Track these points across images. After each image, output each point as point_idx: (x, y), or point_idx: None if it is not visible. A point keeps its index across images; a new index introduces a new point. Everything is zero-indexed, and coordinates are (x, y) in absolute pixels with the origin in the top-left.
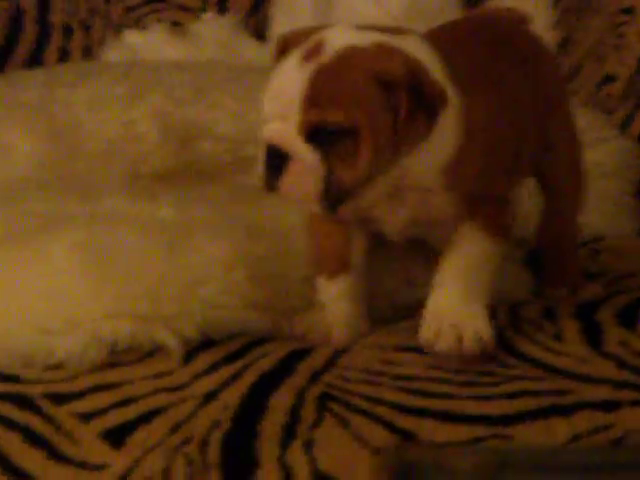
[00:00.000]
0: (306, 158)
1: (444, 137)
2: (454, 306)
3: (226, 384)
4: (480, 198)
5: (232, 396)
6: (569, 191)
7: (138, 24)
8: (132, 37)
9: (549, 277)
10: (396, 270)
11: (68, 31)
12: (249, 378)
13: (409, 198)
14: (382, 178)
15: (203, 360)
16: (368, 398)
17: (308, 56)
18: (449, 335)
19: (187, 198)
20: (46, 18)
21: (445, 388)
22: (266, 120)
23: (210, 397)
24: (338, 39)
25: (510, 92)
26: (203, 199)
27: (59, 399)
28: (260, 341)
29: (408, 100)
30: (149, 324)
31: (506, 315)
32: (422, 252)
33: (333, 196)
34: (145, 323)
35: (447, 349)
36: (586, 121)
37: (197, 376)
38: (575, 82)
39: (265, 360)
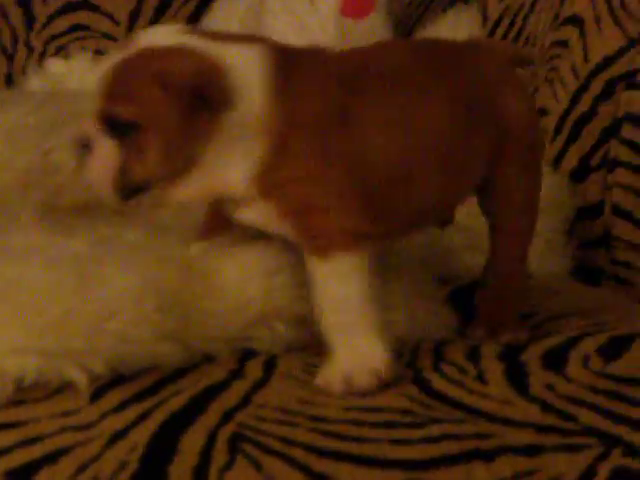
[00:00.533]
0: (100, 147)
1: (249, 146)
2: (336, 345)
3: (135, 423)
4: (311, 215)
5: (141, 436)
6: (520, 232)
7: (61, 52)
8: (55, 66)
9: (480, 317)
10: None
11: None
12: (159, 417)
13: (241, 205)
14: (192, 181)
15: (112, 398)
16: (283, 439)
17: (119, 50)
18: (337, 377)
19: (101, 232)
20: None
21: (363, 430)
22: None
23: (118, 437)
24: (147, 38)
25: (405, 123)
26: (116, 233)
27: None
28: (173, 376)
29: (187, 102)
30: (57, 359)
31: (428, 355)
32: None
33: (125, 187)
34: (53, 358)
35: (340, 391)
36: None
37: (105, 414)
38: None
39: (177, 398)
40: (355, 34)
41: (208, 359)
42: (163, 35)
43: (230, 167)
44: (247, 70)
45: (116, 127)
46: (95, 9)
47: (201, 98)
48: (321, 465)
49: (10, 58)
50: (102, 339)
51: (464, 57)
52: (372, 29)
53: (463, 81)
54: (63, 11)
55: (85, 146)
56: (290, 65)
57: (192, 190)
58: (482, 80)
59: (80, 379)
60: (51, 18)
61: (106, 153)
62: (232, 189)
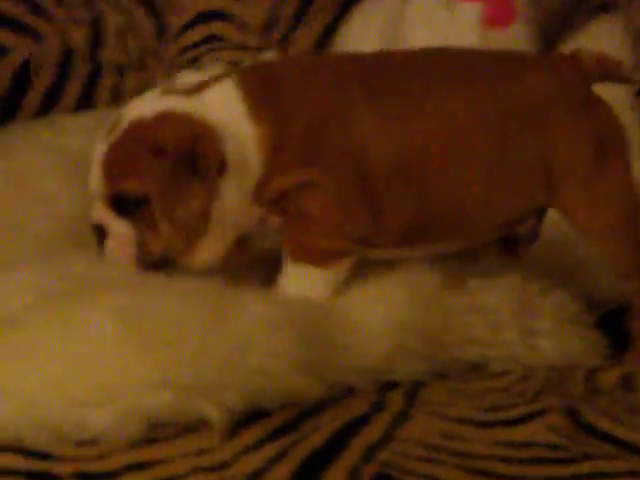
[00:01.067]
0: (116, 229)
1: (248, 175)
2: None
3: (273, 462)
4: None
5: (279, 476)
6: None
7: (194, 64)
8: (188, 78)
9: (634, 342)
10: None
11: (120, 70)
12: (299, 454)
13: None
14: (212, 237)
15: (247, 435)
16: (427, 477)
17: (108, 132)
18: None
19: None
20: (97, 57)
21: (511, 468)
22: (93, 198)
23: (254, 477)
24: (132, 112)
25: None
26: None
27: (92, 479)
28: (312, 410)
29: (175, 166)
30: (192, 394)
31: (578, 383)
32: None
33: (147, 260)
34: (188, 393)
35: None
36: None
37: (241, 453)
38: None
39: (317, 434)
40: (497, 44)
41: (348, 391)
42: (147, 104)
43: (238, 205)
44: (231, 114)
45: (125, 206)
46: (229, 19)
47: (197, 160)
48: None
49: (140, 70)
50: (238, 372)
51: (508, 70)
52: (515, 38)
53: (496, 94)
54: (196, 22)
55: (102, 230)
56: (273, 83)
57: (215, 246)
58: (527, 98)
59: (215, 415)
60: (184, 29)
61: (122, 233)
62: (247, 224)
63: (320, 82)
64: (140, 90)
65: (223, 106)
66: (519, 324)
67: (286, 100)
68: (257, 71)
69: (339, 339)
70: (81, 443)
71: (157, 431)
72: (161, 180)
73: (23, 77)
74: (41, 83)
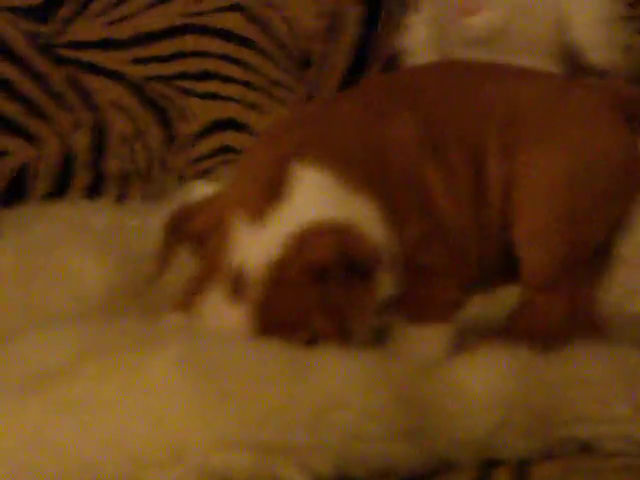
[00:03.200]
0: None
1: None
2: None
3: None
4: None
5: None
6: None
7: (206, 176)
8: (201, 189)
9: None
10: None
11: (125, 180)
12: None
13: None
14: None
15: None
16: None
17: (234, 290)
18: None
19: None
20: (100, 165)
21: None
22: None
23: None
24: (253, 255)
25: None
26: None
27: None
28: None
29: (341, 280)
30: (273, 456)
31: None
32: None
33: None
34: (268, 454)
35: None
36: None
37: None
38: None
39: None
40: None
41: (447, 465)
42: (264, 245)
43: None
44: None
45: None
46: (243, 128)
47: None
48: None
49: (146, 180)
50: (327, 433)
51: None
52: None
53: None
54: (209, 131)
55: None
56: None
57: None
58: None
59: None
60: (195, 138)
61: None
62: None
63: (389, 137)
64: (145, 201)
65: (329, 202)
66: (631, 398)
67: (371, 165)
68: (319, 142)
69: (442, 406)
70: None
71: None
72: (328, 307)
73: (20, 183)
74: (39, 190)
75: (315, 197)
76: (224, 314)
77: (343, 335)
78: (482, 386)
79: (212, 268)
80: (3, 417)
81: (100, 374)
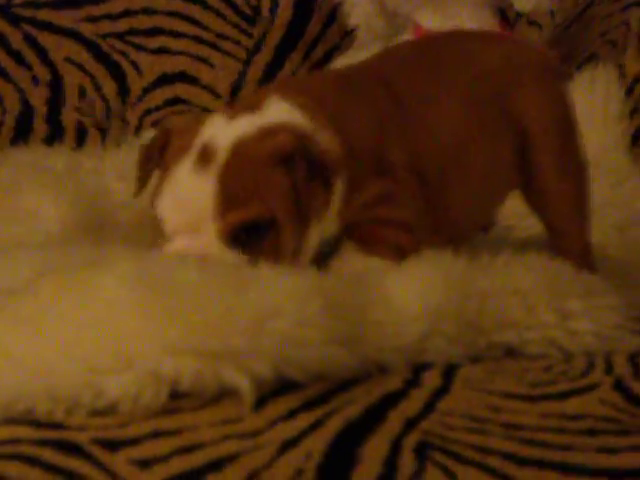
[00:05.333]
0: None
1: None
2: None
3: (307, 431)
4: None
5: (316, 444)
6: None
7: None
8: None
9: None
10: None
11: (81, 132)
12: (334, 425)
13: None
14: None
15: (278, 406)
16: (476, 448)
17: (201, 160)
18: None
19: None
20: (57, 117)
21: (566, 439)
22: (171, 235)
23: (290, 444)
24: (222, 136)
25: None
26: None
27: (111, 445)
28: (344, 385)
29: (306, 170)
30: (217, 361)
31: (623, 364)
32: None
33: None
34: (212, 360)
35: None
36: None
37: (273, 422)
38: None
39: (351, 407)
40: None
41: (380, 370)
42: (228, 129)
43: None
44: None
45: (244, 236)
46: (193, 81)
47: (311, 166)
48: (524, 475)
49: (103, 132)
50: (266, 340)
51: (473, 53)
52: None
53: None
54: (160, 83)
55: None
56: (321, 98)
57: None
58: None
59: (243, 383)
60: (146, 91)
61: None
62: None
63: (363, 93)
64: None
65: (296, 120)
66: (555, 306)
67: (343, 114)
68: (294, 89)
69: (373, 315)
70: (96, 413)
71: (179, 402)
72: (290, 194)
73: None
74: (3, 139)
75: (284, 114)
76: (190, 179)
77: (301, 224)
78: (413, 296)
79: (185, 147)
80: None
81: (56, 290)
